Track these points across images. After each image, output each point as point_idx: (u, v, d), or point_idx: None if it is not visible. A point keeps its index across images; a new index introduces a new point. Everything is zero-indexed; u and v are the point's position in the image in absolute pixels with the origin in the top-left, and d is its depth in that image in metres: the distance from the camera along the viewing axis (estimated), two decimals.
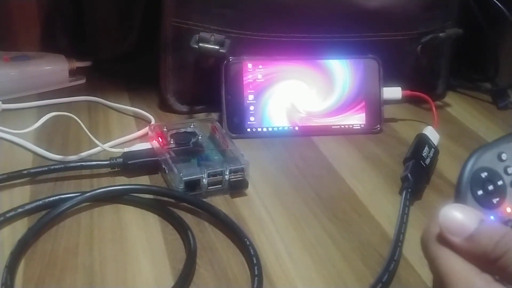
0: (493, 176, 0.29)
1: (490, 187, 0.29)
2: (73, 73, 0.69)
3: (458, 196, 0.29)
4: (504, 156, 0.29)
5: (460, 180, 0.29)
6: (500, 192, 0.29)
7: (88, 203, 0.47)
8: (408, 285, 0.41)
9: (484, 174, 0.29)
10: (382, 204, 0.50)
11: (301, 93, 0.60)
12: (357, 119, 0.61)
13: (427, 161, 0.52)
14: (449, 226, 0.27)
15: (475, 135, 0.63)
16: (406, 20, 0.63)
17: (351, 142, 0.59)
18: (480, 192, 0.29)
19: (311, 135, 0.60)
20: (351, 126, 0.61)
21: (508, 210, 0.29)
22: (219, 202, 0.49)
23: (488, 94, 0.72)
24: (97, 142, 0.52)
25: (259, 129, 0.60)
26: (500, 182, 0.29)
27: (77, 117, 0.53)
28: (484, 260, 0.27)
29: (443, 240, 0.28)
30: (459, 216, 0.27)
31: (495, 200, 0.29)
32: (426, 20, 0.64)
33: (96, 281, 0.40)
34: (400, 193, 0.50)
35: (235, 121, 0.59)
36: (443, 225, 0.27)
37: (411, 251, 0.44)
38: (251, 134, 0.59)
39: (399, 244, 0.43)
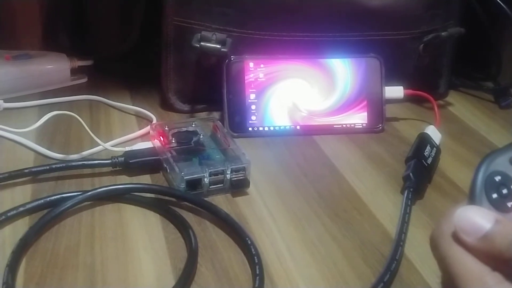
0: (507, 180, 0.29)
1: (504, 191, 0.29)
2: (74, 72, 0.69)
3: (473, 199, 0.29)
4: None
5: (474, 183, 0.29)
6: None
7: (89, 202, 0.47)
8: (410, 284, 0.41)
9: (497, 178, 0.29)
10: (384, 203, 0.50)
11: (302, 92, 0.60)
12: (359, 118, 0.61)
13: (429, 160, 0.52)
14: (463, 226, 0.27)
15: (477, 134, 0.63)
16: (408, 19, 0.63)
17: (352, 141, 0.59)
18: (495, 196, 0.29)
19: (313, 134, 0.60)
20: (352, 125, 0.61)
21: None
22: (220, 201, 0.49)
23: (490, 93, 0.72)
24: (98, 141, 0.52)
25: (261, 128, 0.59)
26: None
27: (79, 116, 0.53)
28: (499, 259, 0.26)
29: (456, 239, 0.28)
30: (474, 216, 0.27)
31: (509, 204, 0.29)
32: (428, 19, 0.64)
33: (97, 279, 0.40)
34: (402, 192, 0.50)
35: (236, 120, 0.59)
36: (458, 225, 0.27)
37: (413, 250, 0.44)
38: (252, 133, 0.59)
39: (401, 243, 0.43)
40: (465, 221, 0.27)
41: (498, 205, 0.29)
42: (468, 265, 0.27)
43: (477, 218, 0.27)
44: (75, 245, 0.43)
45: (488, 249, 0.27)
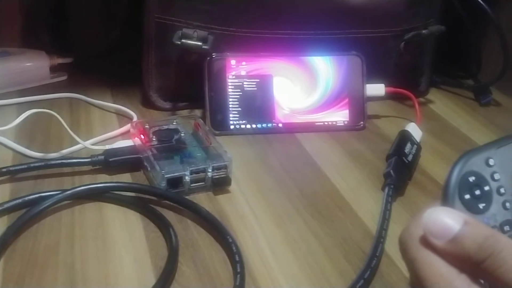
0: (480, 181, 0.28)
1: (477, 192, 0.28)
2: (54, 69, 0.68)
3: (445, 199, 0.28)
4: (491, 162, 0.29)
5: (448, 183, 0.28)
6: (486, 197, 0.28)
7: (69, 201, 0.46)
8: (390, 281, 0.41)
9: (472, 178, 0.28)
10: (365, 201, 0.50)
11: (284, 90, 0.60)
12: (340, 115, 0.61)
13: (410, 157, 0.52)
14: (432, 228, 0.27)
15: (458, 132, 0.63)
16: (389, 17, 0.63)
17: (334, 138, 0.59)
18: (467, 196, 0.28)
19: (295, 131, 0.60)
20: (334, 122, 0.61)
21: (493, 216, 0.29)
22: (202, 199, 0.48)
23: (471, 90, 0.72)
24: (78, 139, 0.51)
25: (243, 126, 0.59)
26: (486, 188, 0.29)
27: (58, 114, 0.52)
28: (468, 263, 0.26)
29: (424, 242, 0.27)
30: (442, 218, 0.27)
31: (481, 205, 0.28)
32: (409, 17, 0.64)
33: (77, 279, 0.40)
34: (383, 189, 0.50)
35: (218, 118, 0.59)
36: (426, 228, 0.27)
37: (394, 247, 0.44)
38: (234, 131, 0.59)
39: (381, 240, 0.43)
40: (433, 224, 0.27)
41: (470, 206, 0.28)
42: (437, 269, 0.26)
43: (446, 220, 0.26)
44: (55, 245, 0.42)
45: (457, 252, 0.26)
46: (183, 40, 0.57)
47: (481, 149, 0.29)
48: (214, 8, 0.58)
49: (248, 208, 0.48)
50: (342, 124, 0.61)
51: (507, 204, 0.29)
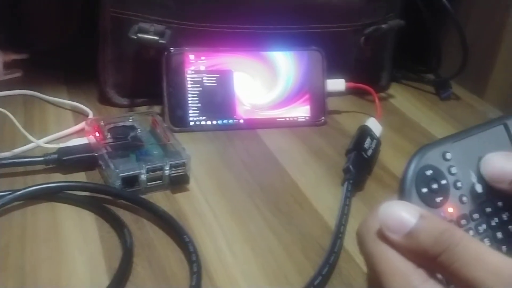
0: (438, 175, 0.28)
1: (434, 186, 0.28)
2: (8, 66, 0.66)
3: (402, 192, 0.28)
4: (448, 156, 0.29)
5: (405, 177, 0.28)
6: (443, 191, 0.29)
7: (20, 202, 0.45)
8: (349, 277, 0.41)
9: (429, 172, 0.28)
10: (325, 196, 0.50)
11: (245, 85, 0.59)
12: (301, 111, 0.61)
13: (369, 152, 0.52)
14: (388, 222, 0.26)
15: (418, 126, 0.63)
16: (349, 11, 0.63)
17: (295, 134, 0.59)
18: (424, 190, 0.28)
19: (256, 128, 0.59)
20: (295, 118, 0.60)
21: (450, 210, 0.29)
22: (159, 198, 0.47)
23: (431, 85, 0.73)
24: (30, 137, 0.50)
25: (203, 123, 0.58)
26: (443, 181, 0.29)
27: (12, 112, 0.51)
28: (425, 257, 0.26)
29: (381, 236, 0.27)
30: (398, 212, 0.26)
31: (438, 199, 0.28)
32: (369, 12, 0.64)
33: (28, 281, 0.38)
34: (343, 184, 0.49)
35: (177, 114, 0.58)
36: (382, 222, 0.27)
37: (352, 242, 0.44)
38: (194, 127, 0.58)
39: (340, 236, 0.43)
40: (389, 217, 0.26)
41: (427, 200, 0.28)
42: (393, 264, 0.26)
43: (402, 214, 0.26)
44: (5, 247, 0.41)
45: (413, 247, 0.26)
46: (139, 35, 0.56)
47: (438, 143, 0.29)
48: (171, 2, 0.57)
49: (206, 206, 0.47)
50: (303, 119, 0.61)
51: (464, 198, 0.29)
